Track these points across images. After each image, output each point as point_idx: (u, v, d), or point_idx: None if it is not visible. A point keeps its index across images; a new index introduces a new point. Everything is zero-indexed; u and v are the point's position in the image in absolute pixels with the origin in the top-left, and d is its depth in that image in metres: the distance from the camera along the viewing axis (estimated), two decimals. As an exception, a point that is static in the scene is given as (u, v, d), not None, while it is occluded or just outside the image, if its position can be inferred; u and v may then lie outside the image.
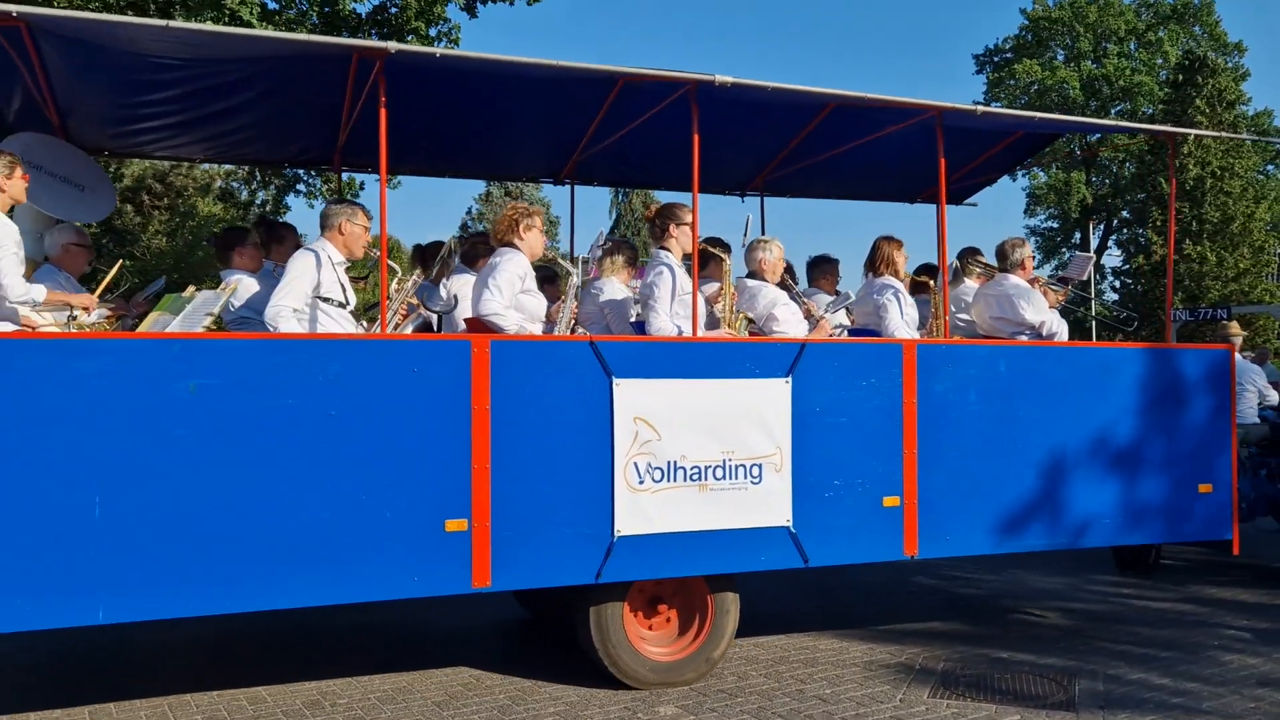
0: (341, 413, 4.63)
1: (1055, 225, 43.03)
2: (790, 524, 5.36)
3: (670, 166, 7.68)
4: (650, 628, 5.48)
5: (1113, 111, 41.23)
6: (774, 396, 5.38)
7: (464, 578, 4.81)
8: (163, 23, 4.69)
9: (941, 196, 6.25)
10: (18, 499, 4.16)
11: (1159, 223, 27.19)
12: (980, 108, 6.46)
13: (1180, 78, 29.33)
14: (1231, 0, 43.78)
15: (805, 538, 5.41)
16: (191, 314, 5.04)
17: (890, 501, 5.59)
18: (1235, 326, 9.83)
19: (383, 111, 4.93)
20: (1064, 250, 43.05)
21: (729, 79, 5.33)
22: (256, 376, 4.51)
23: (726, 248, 6.24)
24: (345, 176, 12.71)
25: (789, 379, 5.42)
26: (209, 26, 6.83)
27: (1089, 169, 40.70)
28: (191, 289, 5.36)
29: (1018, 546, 5.93)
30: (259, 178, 17.96)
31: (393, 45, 4.82)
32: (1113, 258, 38.66)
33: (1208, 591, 7.61)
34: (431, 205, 69.86)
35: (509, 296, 5.24)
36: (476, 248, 6.54)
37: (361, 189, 15.15)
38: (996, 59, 43.97)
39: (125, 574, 4.30)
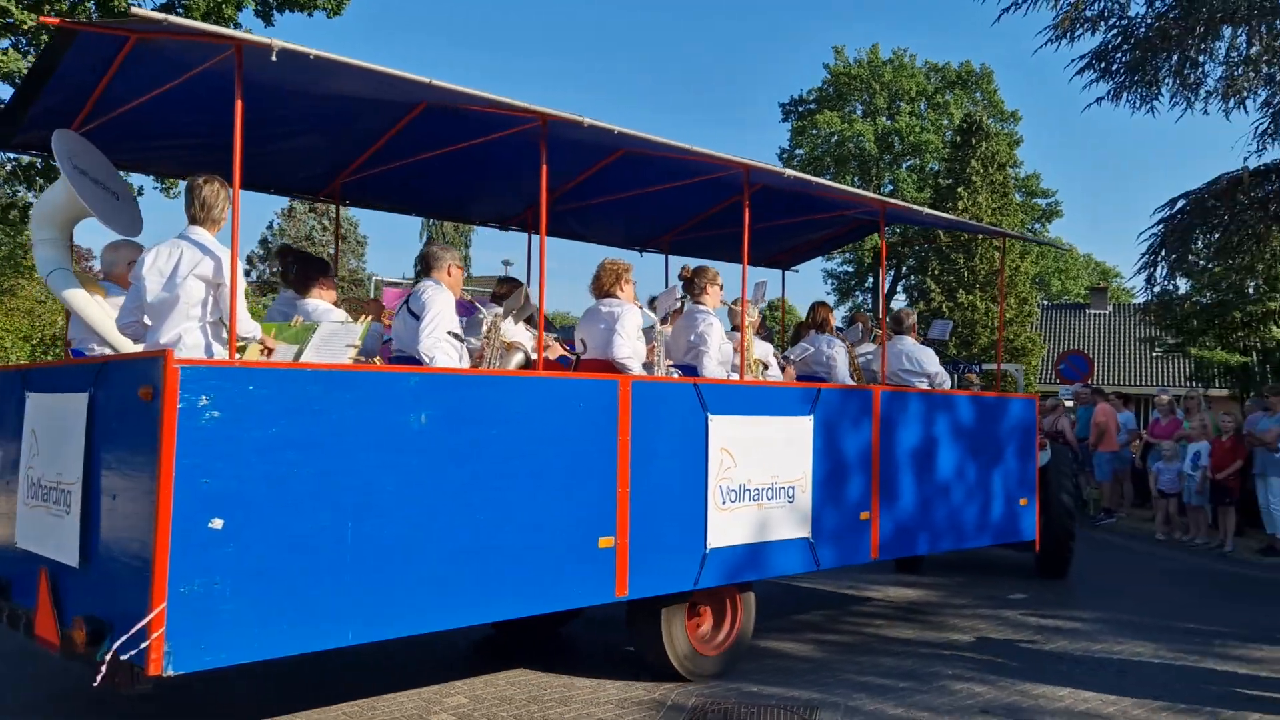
0: (528, 442, 5.15)
1: (850, 270, 45.38)
2: (810, 535, 6.56)
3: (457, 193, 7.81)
4: (696, 628, 6.27)
5: (903, 165, 44.07)
6: (802, 430, 6.57)
7: (610, 589, 5.48)
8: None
9: (745, 250, 6.75)
10: (295, 523, 4.25)
11: (936, 271, 29.17)
12: (790, 171, 6.92)
13: (960, 139, 31.64)
14: (1009, 72, 47.83)
15: (818, 546, 6.64)
16: (327, 344, 4.98)
17: (864, 516, 7.05)
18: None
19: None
20: (857, 294, 45.50)
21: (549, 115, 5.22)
22: (469, 409, 4.94)
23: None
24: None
25: (811, 416, 6.62)
26: None
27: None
28: (299, 319, 5.49)
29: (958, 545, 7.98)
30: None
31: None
32: (899, 301, 41.10)
33: (950, 622, 8.06)
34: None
35: (634, 342, 6.09)
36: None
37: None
38: (800, 109, 46.18)
39: (371, 596, 4.48)
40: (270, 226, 43.86)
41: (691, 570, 5.89)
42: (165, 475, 3.89)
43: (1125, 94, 15.84)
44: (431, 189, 7.94)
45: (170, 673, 3.87)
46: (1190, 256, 16.78)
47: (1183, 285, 21.56)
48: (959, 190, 29.22)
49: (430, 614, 4.74)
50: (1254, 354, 24.05)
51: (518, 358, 6.21)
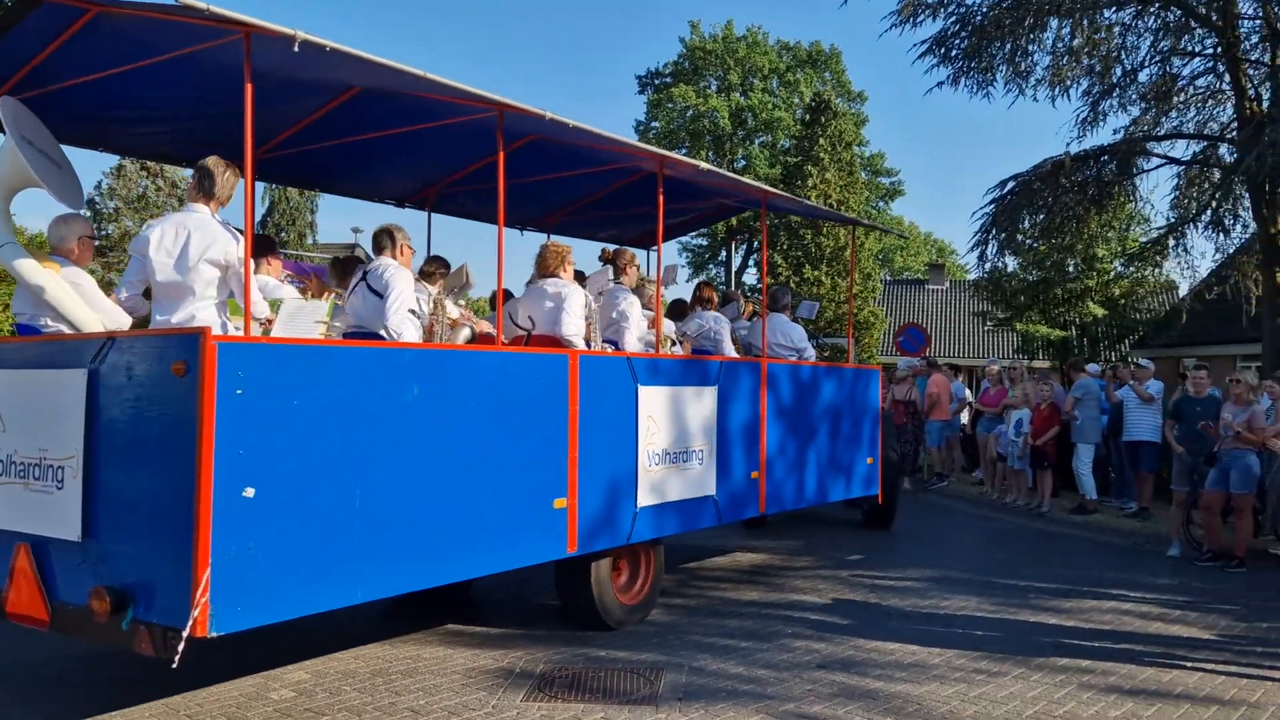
0: (499, 412, 5.54)
1: (704, 243, 46.09)
2: (715, 493, 7.28)
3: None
4: (617, 580, 6.81)
5: (755, 142, 44.94)
6: (708, 399, 7.24)
7: (563, 546, 5.97)
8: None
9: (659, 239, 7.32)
10: (313, 490, 4.49)
11: (784, 247, 29.97)
12: (703, 164, 7.29)
13: (809, 117, 32.48)
14: (857, 53, 49.29)
15: (720, 503, 7.36)
16: (293, 321, 4.99)
17: (754, 475, 7.79)
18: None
19: None
20: (710, 267, 46.26)
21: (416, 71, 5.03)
22: (453, 382, 5.29)
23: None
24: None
25: (715, 386, 7.30)
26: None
27: (734, 193, 43.94)
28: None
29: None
30: None
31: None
32: (751, 276, 42.04)
33: (792, 583, 8.36)
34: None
35: (579, 320, 6.52)
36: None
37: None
38: (657, 81, 46.42)
39: (374, 558, 4.78)
40: (98, 186, 41.08)
41: (625, 527, 6.48)
42: (206, 447, 4.05)
43: (963, 79, 16.63)
44: (336, 165, 7.86)
45: (213, 634, 4.07)
46: (1018, 236, 17.77)
47: (1011, 263, 22.86)
48: (808, 168, 30.00)
49: (421, 573, 5.12)
50: (1073, 329, 25.76)
51: (465, 333, 6.63)
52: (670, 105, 44.39)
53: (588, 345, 6.71)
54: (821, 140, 30.19)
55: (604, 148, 6.91)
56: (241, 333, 4.68)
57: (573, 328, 6.48)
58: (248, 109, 4.39)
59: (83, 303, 5.13)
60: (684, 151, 39.36)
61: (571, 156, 7.56)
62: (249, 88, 4.38)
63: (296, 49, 4.32)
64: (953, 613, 7.41)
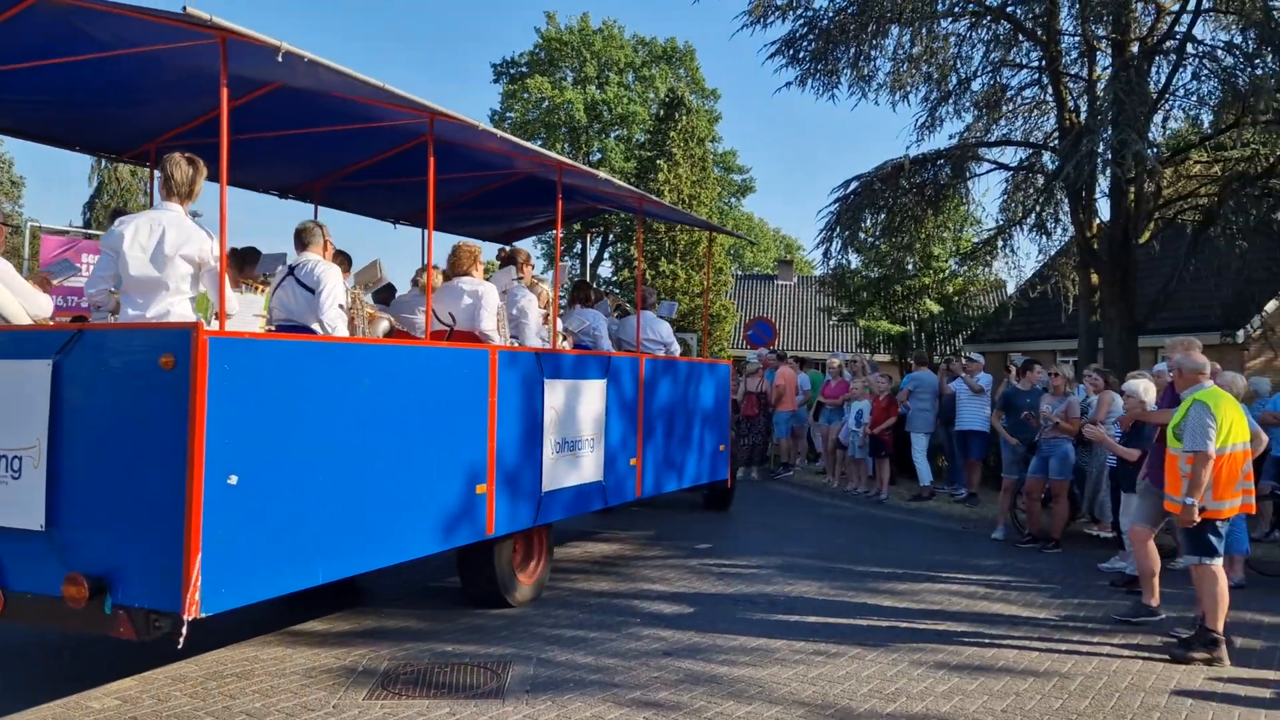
0: (435, 404, 5.90)
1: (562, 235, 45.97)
2: (603, 479, 7.88)
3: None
4: (516, 561, 7.14)
5: (611, 135, 45.13)
6: (599, 392, 7.82)
7: (483, 528, 6.35)
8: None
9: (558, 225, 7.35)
10: (285, 476, 4.74)
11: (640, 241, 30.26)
12: (601, 173, 7.80)
13: (664, 112, 32.86)
14: (710, 51, 50.10)
15: (607, 488, 7.94)
16: (237, 313, 5.15)
17: (633, 462, 8.42)
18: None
19: None
20: (565, 259, 46.17)
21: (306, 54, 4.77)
22: (397, 376, 5.60)
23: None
24: None
25: (605, 379, 7.92)
26: None
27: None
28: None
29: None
30: None
31: None
32: (605, 269, 42.20)
33: (642, 573, 8.45)
34: None
35: (495, 317, 6.86)
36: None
37: None
38: (513, 71, 45.99)
39: (334, 539, 5.07)
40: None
41: (533, 511, 6.96)
42: (198, 437, 4.22)
43: (810, 80, 17.08)
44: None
45: (202, 615, 4.24)
46: (861, 234, 18.42)
47: (854, 260, 23.72)
48: (661, 162, 30.35)
49: (372, 554, 5.40)
50: (911, 324, 26.99)
51: (383, 325, 6.86)
52: (526, 96, 44.08)
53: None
54: (675, 135, 30.62)
55: (505, 151, 7.22)
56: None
57: (491, 324, 6.83)
58: (223, 114, 4.55)
59: (4, 288, 5.02)
60: (539, 144, 39.10)
61: (457, 156, 7.62)
62: (224, 93, 4.54)
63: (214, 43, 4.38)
64: (795, 598, 7.65)
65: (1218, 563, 6.24)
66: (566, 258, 10.91)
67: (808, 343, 40.04)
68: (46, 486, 4.43)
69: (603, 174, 7.76)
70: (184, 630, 4.25)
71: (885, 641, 6.42)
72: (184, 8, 4.13)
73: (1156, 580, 7.07)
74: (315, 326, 5.71)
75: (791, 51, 16.75)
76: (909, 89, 16.95)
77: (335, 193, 9.10)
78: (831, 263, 18.51)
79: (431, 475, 5.85)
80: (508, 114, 44.61)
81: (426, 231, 9.10)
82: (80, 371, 4.44)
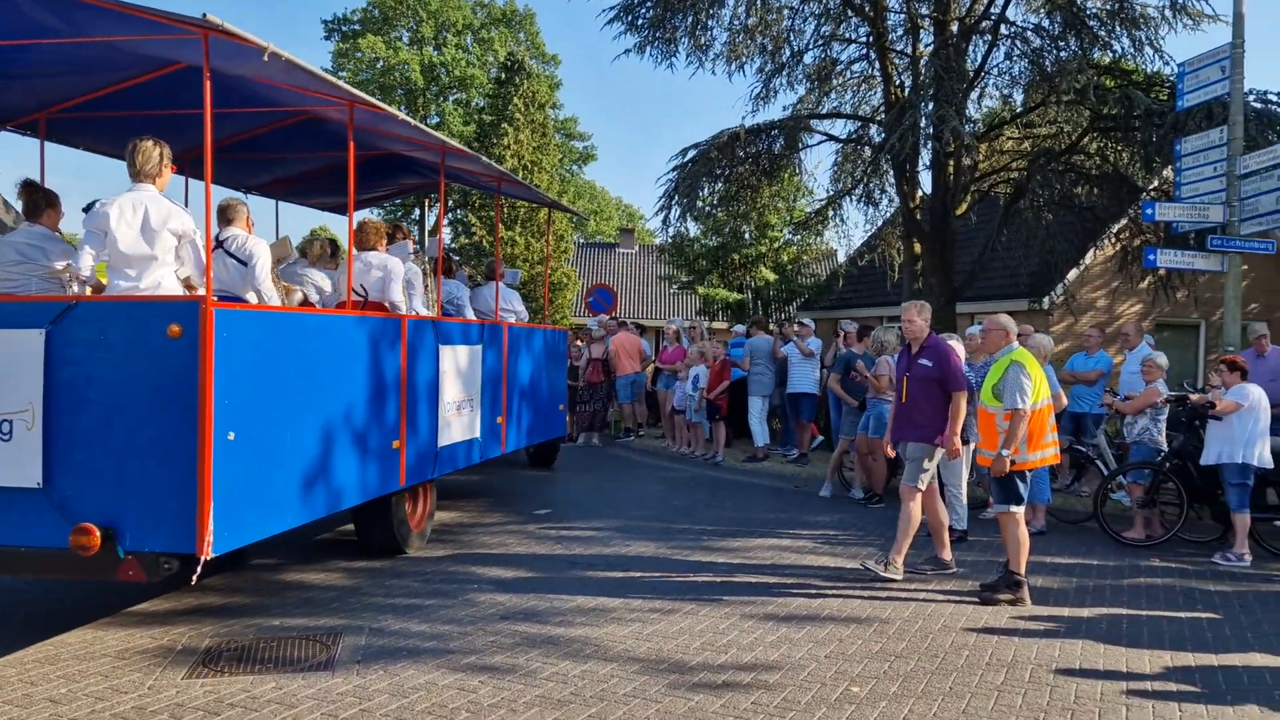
0: (370, 367, 6.56)
1: (399, 201, 44.73)
2: (480, 436, 8.73)
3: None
4: (408, 511, 7.69)
5: (449, 99, 44.09)
6: (476, 357, 8.56)
7: (397, 480, 7.01)
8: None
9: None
10: (267, 431, 5.33)
11: (477, 205, 29.81)
12: (484, 159, 8.30)
13: (504, 76, 32.34)
14: (549, 16, 49.57)
15: (482, 444, 8.82)
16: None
17: (500, 420, 9.24)
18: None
19: None
20: (404, 224, 45.01)
21: None
22: (340, 342, 6.20)
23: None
24: None
25: (480, 345, 8.65)
26: None
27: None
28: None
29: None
30: None
31: None
32: (444, 236, 41.35)
33: (480, 540, 8.39)
34: None
35: (402, 289, 7.43)
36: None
37: None
38: (345, 29, 44.21)
39: (299, 489, 5.66)
40: None
41: (432, 464, 7.66)
42: (206, 398, 4.77)
43: (649, 48, 17.13)
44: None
45: (212, 555, 4.80)
46: (699, 203, 18.68)
47: (694, 229, 24.06)
48: (503, 127, 29.90)
49: (325, 502, 6.00)
50: (749, 291, 27.65)
51: (297, 296, 7.09)
52: (358, 56, 42.50)
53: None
54: (515, 100, 30.20)
55: (388, 133, 7.65)
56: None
57: (400, 294, 7.41)
58: (207, 104, 4.92)
59: None
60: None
61: (319, 130, 7.97)
62: (208, 85, 4.88)
63: None
64: (632, 558, 7.75)
65: (1022, 510, 6.70)
66: (434, 244, 11.11)
67: (649, 310, 40.48)
68: (43, 447, 4.85)
69: (485, 160, 8.38)
70: (198, 569, 4.85)
71: (719, 597, 6.60)
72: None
73: (946, 533, 7.53)
74: (250, 297, 6.05)
75: (630, 18, 16.75)
76: (744, 60, 17.23)
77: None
78: (671, 231, 18.71)
79: (365, 432, 6.50)
80: (339, 74, 42.89)
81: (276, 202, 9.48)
82: (77, 339, 4.87)
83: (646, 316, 37.53)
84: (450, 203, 39.96)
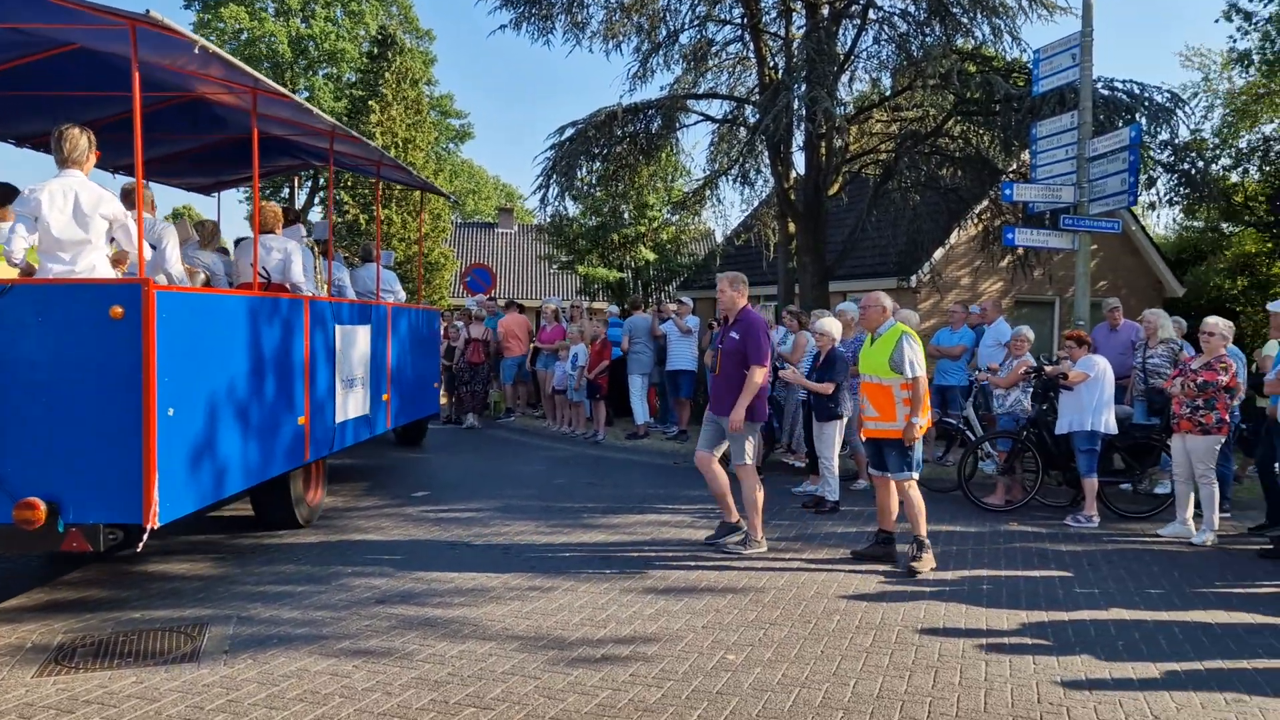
0: (281, 345, 6.80)
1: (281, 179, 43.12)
2: (369, 413, 8.90)
3: None
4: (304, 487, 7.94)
5: (319, 73, 42.65)
6: (365, 336, 8.77)
7: (303, 455, 7.24)
8: None
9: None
10: (199, 406, 5.68)
11: (350, 184, 28.97)
12: (375, 144, 8.32)
13: (376, 50, 31.46)
14: (424, -10, 48.37)
15: (371, 421, 9.00)
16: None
17: (385, 397, 9.45)
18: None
19: None
20: (273, 202, 43.45)
21: None
22: (259, 322, 6.49)
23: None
24: None
25: (369, 325, 8.89)
26: None
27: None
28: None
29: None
30: None
31: None
32: (315, 214, 40.10)
33: (355, 524, 8.20)
34: None
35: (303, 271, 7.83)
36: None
37: None
38: (205, -3, 42.20)
39: (228, 462, 6.06)
40: None
41: (329, 440, 7.88)
42: (150, 376, 5.03)
43: (525, 24, 16.93)
44: None
45: (159, 524, 5.10)
46: (577, 182, 18.60)
47: (572, 208, 23.95)
48: (373, 104, 29.12)
49: (248, 475, 6.36)
50: (629, 271, 27.74)
51: (200, 279, 7.18)
52: (221, 26, 40.65)
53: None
54: (388, 76, 29.45)
55: (276, 117, 7.74)
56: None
57: (301, 275, 7.76)
58: (136, 96, 5.13)
59: None
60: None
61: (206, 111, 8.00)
62: (136, 76, 5.07)
63: None
64: (513, 538, 7.71)
65: (917, 476, 6.96)
66: (321, 227, 11.63)
67: (529, 290, 40.21)
68: None
69: (376, 145, 8.60)
70: (144, 538, 5.18)
71: (599, 573, 6.63)
72: None
73: (730, 498, 7.49)
74: (160, 278, 6.03)
75: (505, -9, 16.50)
76: (621, 39, 17.20)
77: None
78: (549, 210, 18.60)
79: (279, 408, 6.79)
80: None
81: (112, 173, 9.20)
82: (16, 321, 4.97)
83: (526, 296, 37.28)
84: (321, 180, 38.74)
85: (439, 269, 30.39)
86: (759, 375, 7.14)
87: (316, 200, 39.45)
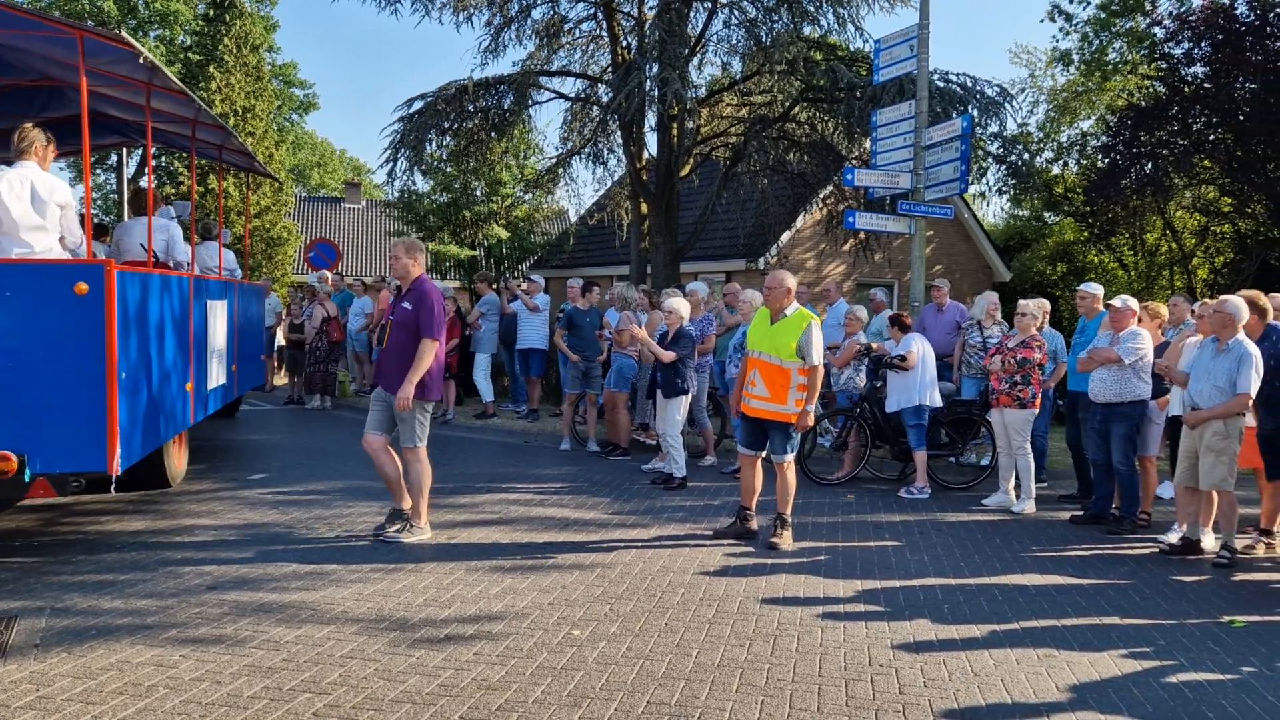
0: (181, 317, 7.60)
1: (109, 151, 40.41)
2: (226, 382, 9.54)
3: None
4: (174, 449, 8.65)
5: (150, 35, 40.16)
6: (225, 311, 9.37)
7: (189, 419, 7.99)
8: None
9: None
10: (140, 372, 6.44)
11: (186, 156, 27.47)
12: (229, 128, 8.97)
13: (212, 13, 29.84)
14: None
15: (231, 389, 9.81)
16: None
17: (234, 368, 10.10)
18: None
19: None
20: (98, 171, 40.76)
21: None
22: (173, 297, 7.35)
23: None
24: None
25: (226, 300, 9.44)
26: None
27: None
28: None
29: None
30: None
31: None
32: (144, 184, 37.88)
33: (186, 508, 7.81)
34: None
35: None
36: None
37: None
38: (19, -54, 39.11)
39: (158, 417, 6.91)
40: None
41: (203, 406, 8.48)
42: (111, 344, 5.79)
43: (371, -8, 16.37)
44: None
45: (120, 472, 5.88)
46: (426, 157, 18.20)
47: (422, 184, 23.43)
48: (211, 69, 27.67)
49: (168, 430, 7.23)
50: (480, 249, 27.34)
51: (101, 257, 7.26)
52: (40, -21, 37.76)
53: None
54: (226, 41, 27.98)
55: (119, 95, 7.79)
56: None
57: (184, 254, 8.49)
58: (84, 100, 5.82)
59: None
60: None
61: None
62: (84, 80, 5.76)
63: None
64: (355, 519, 7.51)
65: (792, 458, 7.06)
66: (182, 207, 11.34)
67: (377, 267, 39.18)
68: None
69: (229, 128, 8.88)
70: (113, 482, 5.95)
71: (444, 553, 6.53)
72: None
73: (403, 484, 6.95)
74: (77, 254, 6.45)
75: (350, -42, 15.93)
76: (472, 11, 16.90)
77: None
78: (397, 184, 18.14)
79: (183, 373, 7.55)
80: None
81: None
82: None
83: (374, 273, 36.29)
84: (155, 149, 36.59)
85: (282, 244, 29.19)
86: (430, 349, 6.65)
87: (145, 173, 37.25)
